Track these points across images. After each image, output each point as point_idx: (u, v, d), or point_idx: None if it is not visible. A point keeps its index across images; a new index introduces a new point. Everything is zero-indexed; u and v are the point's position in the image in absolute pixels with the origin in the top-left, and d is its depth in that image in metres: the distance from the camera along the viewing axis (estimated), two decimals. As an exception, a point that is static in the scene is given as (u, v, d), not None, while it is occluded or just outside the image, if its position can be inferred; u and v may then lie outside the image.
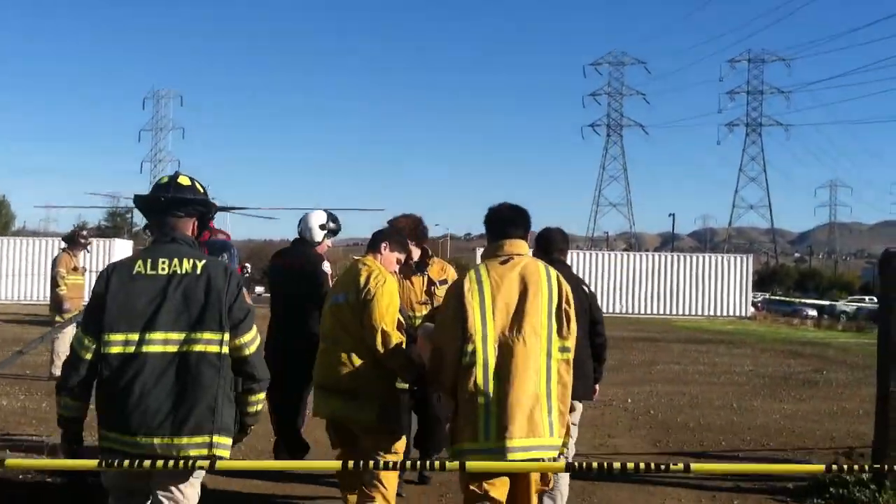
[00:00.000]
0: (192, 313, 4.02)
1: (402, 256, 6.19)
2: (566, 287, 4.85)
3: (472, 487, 4.61)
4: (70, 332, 9.96)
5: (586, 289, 6.14)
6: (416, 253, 7.14)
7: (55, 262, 12.84)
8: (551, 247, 6.33)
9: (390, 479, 5.47)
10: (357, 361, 5.43)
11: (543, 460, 4.58)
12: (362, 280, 5.50)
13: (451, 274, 7.14)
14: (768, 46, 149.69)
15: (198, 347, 3.99)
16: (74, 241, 12.96)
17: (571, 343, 4.78)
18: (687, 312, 40.66)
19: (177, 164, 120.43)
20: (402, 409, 5.88)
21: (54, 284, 12.51)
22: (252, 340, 4.11)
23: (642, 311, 40.67)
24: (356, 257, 5.88)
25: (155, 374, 3.95)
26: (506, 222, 5.01)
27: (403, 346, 5.46)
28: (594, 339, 6.14)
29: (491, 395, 4.55)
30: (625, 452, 8.64)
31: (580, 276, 6.73)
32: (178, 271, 4.08)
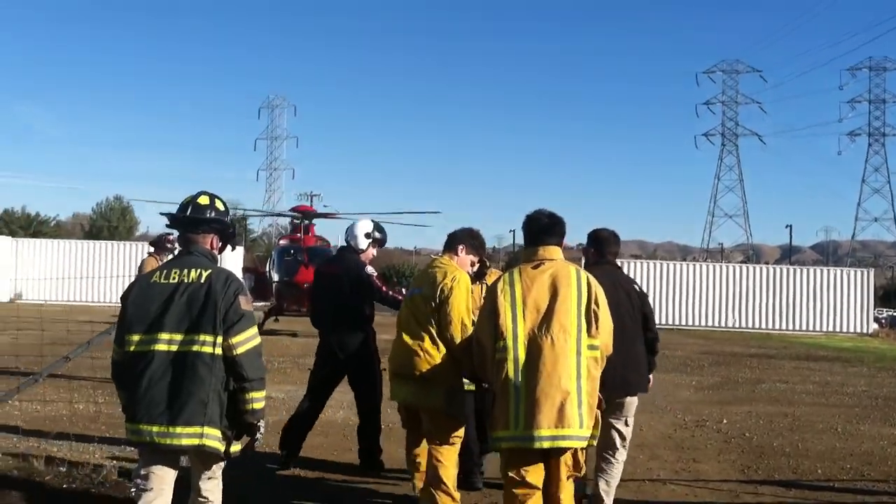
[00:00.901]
0: (192, 316, 4.53)
1: (476, 259, 6.67)
2: (596, 289, 5.15)
3: (510, 474, 5.04)
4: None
5: (637, 289, 6.49)
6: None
7: (141, 267, 12.86)
8: (604, 248, 6.65)
9: (450, 475, 5.86)
10: (429, 351, 5.91)
11: (573, 449, 5.02)
12: (439, 277, 6.02)
13: None
14: (890, 54, 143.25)
15: (195, 347, 4.49)
16: (161, 245, 12.94)
17: (601, 341, 5.09)
18: (805, 328, 38.95)
19: (291, 173, 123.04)
20: (467, 399, 6.26)
21: (140, 289, 12.53)
22: (243, 342, 4.52)
23: (757, 326, 39.15)
24: (434, 256, 6.47)
25: (160, 370, 4.49)
26: (542, 230, 5.37)
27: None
28: (646, 335, 6.47)
29: (520, 387, 4.93)
30: (707, 479, 8.01)
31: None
32: (186, 280, 4.62)
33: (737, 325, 39.11)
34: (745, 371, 19.27)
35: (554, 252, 5.30)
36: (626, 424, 6.42)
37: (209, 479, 4.73)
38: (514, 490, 5.03)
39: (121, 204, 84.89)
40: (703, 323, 38.92)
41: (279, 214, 27.44)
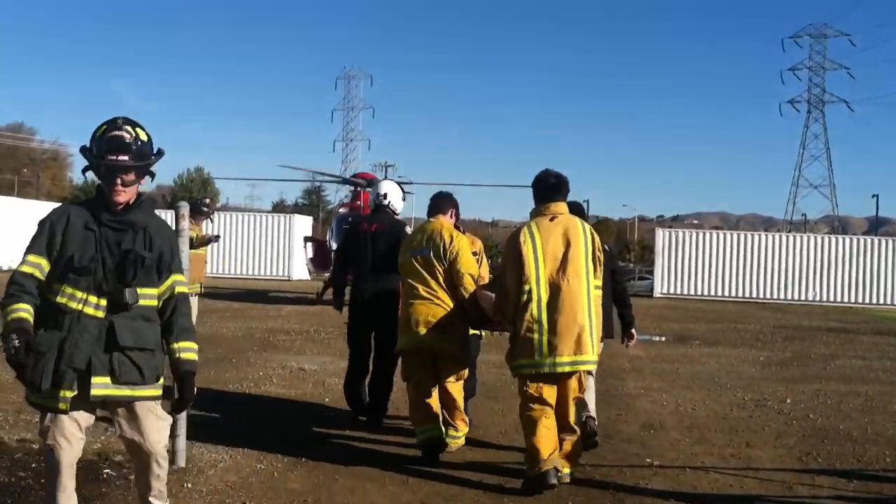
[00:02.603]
0: None
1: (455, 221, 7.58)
2: (597, 239, 6.14)
3: (529, 391, 6.02)
4: (193, 303, 9.62)
5: (606, 247, 6.89)
6: None
7: (176, 233, 12.44)
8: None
9: (461, 405, 7.13)
10: (444, 301, 6.84)
11: (579, 373, 6.15)
12: (447, 237, 6.97)
13: (479, 245, 8.35)
14: None
15: None
16: (197, 210, 12.47)
17: (600, 282, 6.21)
18: (890, 302, 37.27)
19: (367, 144, 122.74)
20: (472, 344, 7.49)
21: (174, 255, 12.07)
22: None
23: (840, 299, 37.61)
24: (431, 219, 7.25)
25: None
26: (552, 188, 6.25)
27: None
28: (615, 287, 7.63)
29: (544, 323, 5.90)
30: (758, 467, 7.17)
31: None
32: None
33: (818, 298, 37.64)
34: (820, 346, 18.21)
35: (562, 207, 6.23)
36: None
37: None
38: (532, 406, 5.99)
39: (201, 175, 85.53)
40: (783, 296, 37.55)
41: (343, 181, 27.41)
